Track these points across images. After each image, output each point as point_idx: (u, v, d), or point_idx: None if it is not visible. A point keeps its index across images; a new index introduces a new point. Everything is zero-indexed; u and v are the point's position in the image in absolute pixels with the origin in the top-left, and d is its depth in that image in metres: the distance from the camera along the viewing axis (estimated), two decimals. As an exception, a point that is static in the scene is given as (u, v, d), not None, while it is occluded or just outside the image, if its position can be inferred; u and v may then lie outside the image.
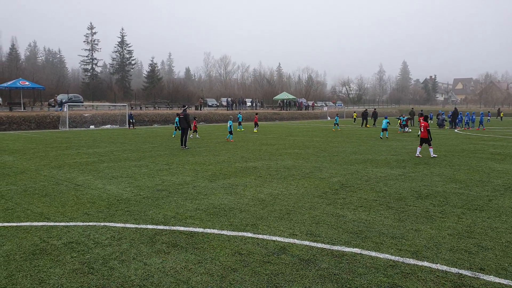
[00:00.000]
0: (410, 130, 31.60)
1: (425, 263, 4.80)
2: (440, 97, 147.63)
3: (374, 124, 39.58)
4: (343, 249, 5.28)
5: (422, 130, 14.92)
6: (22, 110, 40.14)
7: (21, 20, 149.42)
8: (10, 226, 6.34)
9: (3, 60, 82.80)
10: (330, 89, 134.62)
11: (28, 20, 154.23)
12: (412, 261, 4.87)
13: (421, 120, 15.39)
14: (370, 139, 23.36)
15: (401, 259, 4.94)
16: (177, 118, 23.06)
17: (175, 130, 24.79)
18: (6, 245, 5.44)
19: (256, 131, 30.26)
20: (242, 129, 32.26)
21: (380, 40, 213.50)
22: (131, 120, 35.65)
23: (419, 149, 15.26)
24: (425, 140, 14.84)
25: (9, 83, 42.53)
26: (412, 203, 7.78)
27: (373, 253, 5.13)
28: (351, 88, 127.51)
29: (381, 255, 5.07)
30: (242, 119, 34.18)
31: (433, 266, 4.73)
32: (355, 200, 8.09)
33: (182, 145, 18.11)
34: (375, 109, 43.00)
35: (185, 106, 19.79)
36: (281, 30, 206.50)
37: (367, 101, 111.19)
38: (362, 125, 39.15)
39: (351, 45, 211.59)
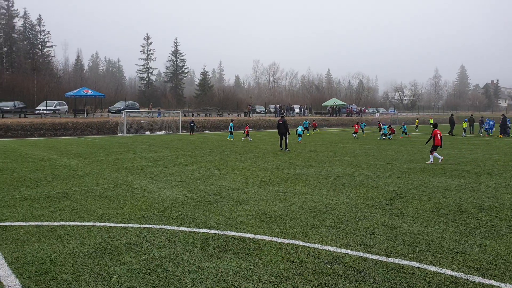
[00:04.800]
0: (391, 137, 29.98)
1: (493, 282, 4.47)
2: (503, 103, 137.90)
3: (451, 132, 35.47)
4: (400, 262, 5.06)
5: (438, 138, 15.23)
6: (85, 116, 42.93)
7: (86, 33, 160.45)
8: (75, 225, 6.77)
9: (69, 70, 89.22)
10: (382, 95, 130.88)
11: (92, 32, 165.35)
12: (477, 279, 4.55)
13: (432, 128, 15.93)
14: (426, 147, 22.28)
15: (464, 276, 4.64)
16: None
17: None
18: (72, 243, 5.81)
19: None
20: (308, 134, 35.66)
21: (436, 44, 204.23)
22: (194, 127, 36.87)
23: (432, 156, 15.36)
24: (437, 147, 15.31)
25: (74, 91, 45.82)
26: (474, 216, 7.31)
27: (433, 268, 4.87)
28: (404, 94, 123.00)
29: (442, 270, 4.79)
30: (308, 125, 38.03)
31: (502, 285, 4.39)
32: (411, 210, 7.74)
33: (284, 148, 20.31)
34: (452, 115, 39.49)
35: (283, 113, 21.83)
36: (331, 35, 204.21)
37: (422, 108, 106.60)
38: (450, 133, 35.05)
39: (404, 50, 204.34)
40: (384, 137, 29.16)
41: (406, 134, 32.16)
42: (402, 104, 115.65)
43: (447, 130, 35.73)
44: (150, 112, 48.09)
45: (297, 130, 26.76)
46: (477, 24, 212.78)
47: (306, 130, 36.09)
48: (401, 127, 32.88)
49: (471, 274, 4.68)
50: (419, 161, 15.84)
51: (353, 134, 30.73)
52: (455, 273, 4.71)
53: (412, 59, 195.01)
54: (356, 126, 31.47)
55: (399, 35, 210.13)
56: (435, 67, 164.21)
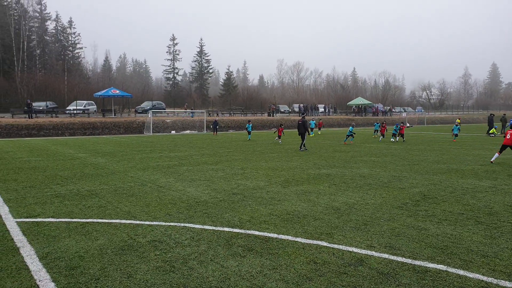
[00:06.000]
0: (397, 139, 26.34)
1: (525, 288, 4.30)
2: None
3: (488, 132, 33.45)
4: (426, 265, 4.94)
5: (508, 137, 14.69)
6: (113, 116, 44.00)
7: (114, 34, 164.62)
8: (103, 222, 6.96)
9: (98, 71, 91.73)
10: (409, 94, 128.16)
11: (119, 33, 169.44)
12: (508, 284, 4.39)
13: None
14: (454, 147, 21.67)
15: (495, 281, 4.48)
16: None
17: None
18: (99, 240, 5.98)
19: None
20: (313, 135, 33.48)
21: (465, 42, 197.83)
22: (216, 127, 35.90)
23: (497, 155, 15.00)
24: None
25: (102, 92, 47.07)
26: (506, 219, 7.04)
27: (461, 272, 4.73)
28: (432, 93, 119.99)
29: (471, 275, 4.65)
30: (314, 126, 35.65)
31: (534, 291, 4.21)
32: (438, 212, 7.54)
33: (301, 147, 20.01)
34: (491, 114, 36.55)
35: (304, 114, 21.48)
36: (357, 33, 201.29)
37: (450, 107, 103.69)
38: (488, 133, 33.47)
39: (433, 47, 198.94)
40: (393, 139, 26.42)
41: (455, 136, 28.14)
42: (429, 103, 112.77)
43: (485, 130, 34.51)
44: (186, 112, 48.92)
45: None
46: (509, 19, 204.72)
47: (311, 131, 33.56)
48: (454, 128, 28.49)
49: (502, 279, 4.52)
50: (447, 161, 15.40)
51: (391, 139, 26.85)
52: (485, 278, 4.56)
53: (440, 58, 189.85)
54: (383, 127, 28.19)
55: (427, 32, 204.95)
56: (465, 65, 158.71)
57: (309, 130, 20.83)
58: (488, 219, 7.05)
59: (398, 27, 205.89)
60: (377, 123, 32.12)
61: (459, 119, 50.58)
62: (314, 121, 35.54)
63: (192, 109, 52.10)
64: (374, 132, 32.36)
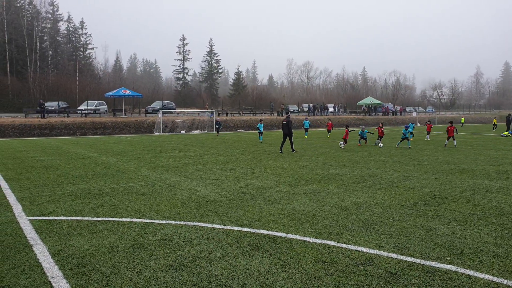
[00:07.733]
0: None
1: (535, 289, 4.26)
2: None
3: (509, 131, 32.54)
4: (436, 265, 4.92)
5: None
6: (124, 116, 44.41)
7: (124, 35, 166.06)
8: (113, 220, 7.05)
9: (109, 71, 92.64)
10: (419, 94, 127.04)
11: (130, 34, 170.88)
12: (518, 285, 4.35)
13: None
14: (466, 147, 21.42)
15: (505, 282, 4.44)
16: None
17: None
18: (110, 238, 6.07)
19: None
20: (306, 136, 30.83)
21: (477, 41, 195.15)
22: (217, 126, 34.87)
23: None
24: None
25: (113, 92, 47.57)
26: (518, 220, 6.96)
27: (471, 272, 4.70)
28: (443, 93, 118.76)
29: (481, 275, 4.62)
30: (309, 126, 32.39)
31: (545, 292, 4.17)
32: (448, 212, 7.49)
33: (281, 149, 18.67)
34: (509, 114, 35.70)
35: (288, 113, 20.21)
36: (366, 32, 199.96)
37: (462, 106, 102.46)
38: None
39: (444, 46, 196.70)
40: (409, 140, 22.01)
41: None
42: (440, 103, 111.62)
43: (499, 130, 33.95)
44: (205, 112, 49.19)
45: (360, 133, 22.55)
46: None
47: (306, 131, 31.36)
48: None
49: (512, 280, 4.48)
50: (458, 161, 15.24)
51: (340, 144, 21.53)
52: (495, 278, 4.52)
53: (452, 57, 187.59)
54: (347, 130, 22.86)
55: (438, 31, 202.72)
56: (477, 64, 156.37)
57: (292, 131, 18.41)
58: (499, 220, 6.98)
59: (408, 25, 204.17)
60: (412, 123, 26.89)
61: (463, 118, 49.52)
62: (308, 121, 32.03)
63: (211, 109, 52.45)
64: (410, 134, 26.96)
